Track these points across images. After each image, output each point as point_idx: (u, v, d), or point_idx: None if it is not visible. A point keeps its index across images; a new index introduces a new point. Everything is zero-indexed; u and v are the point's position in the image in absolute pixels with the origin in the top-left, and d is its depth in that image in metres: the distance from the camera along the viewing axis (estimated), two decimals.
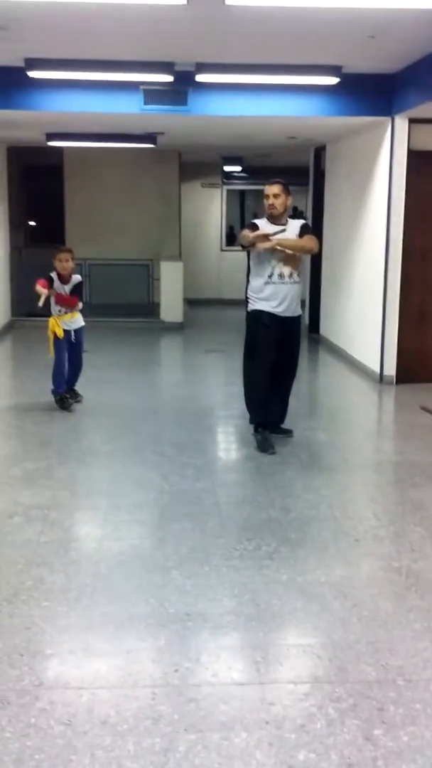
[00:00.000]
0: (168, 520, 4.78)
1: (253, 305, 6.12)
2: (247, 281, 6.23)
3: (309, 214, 13.16)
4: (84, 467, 5.84)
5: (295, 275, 6.04)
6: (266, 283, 6.00)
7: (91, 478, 5.64)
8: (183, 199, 15.55)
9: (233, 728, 2.82)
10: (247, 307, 6.21)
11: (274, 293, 6.01)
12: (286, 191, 5.96)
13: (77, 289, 7.24)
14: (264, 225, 5.96)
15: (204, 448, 6.34)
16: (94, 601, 3.75)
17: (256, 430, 6.31)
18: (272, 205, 5.93)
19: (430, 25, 6.10)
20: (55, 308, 7.19)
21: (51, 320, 7.15)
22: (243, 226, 6.18)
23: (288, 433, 6.51)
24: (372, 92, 8.22)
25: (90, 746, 2.72)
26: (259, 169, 16.24)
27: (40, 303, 6.95)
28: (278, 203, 5.91)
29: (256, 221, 6.07)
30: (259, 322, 6.11)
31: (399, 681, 3.12)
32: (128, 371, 9.38)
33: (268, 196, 5.96)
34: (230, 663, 3.27)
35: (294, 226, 6.04)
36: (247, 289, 6.22)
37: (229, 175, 16.67)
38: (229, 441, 6.83)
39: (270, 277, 5.99)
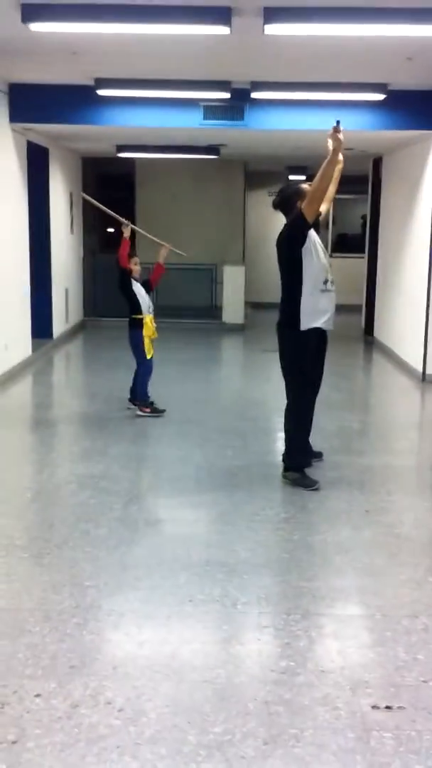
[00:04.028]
0: (203, 491, 5.41)
1: (309, 323, 5.32)
2: (292, 298, 5.33)
3: (368, 222, 13.65)
4: (134, 447, 6.51)
5: None
6: (323, 291, 5.35)
7: (139, 456, 6.30)
8: (249, 207, 16.19)
9: (230, 641, 3.43)
10: (293, 328, 5.34)
11: (330, 303, 5.39)
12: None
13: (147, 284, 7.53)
14: None
15: (244, 433, 6.92)
16: (129, 549, 4.41)
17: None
18: None
19: None
20: (145, 306, 7.39)
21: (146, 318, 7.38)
22: None
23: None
24: (417, 107, 8.72)
25: (115, 646, 3.37)
26: None
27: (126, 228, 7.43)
28: None
29: None
30: (311, 343, 5.45)
31: (377, 615, 3.69)
32: (188, 368, 10.04)
33: None
34: (237, 597, 3.87)
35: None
36: (292, 306, 5.32)
37: None
38: (269, 428, 7.39)
39: (325, 283, 5.36)
